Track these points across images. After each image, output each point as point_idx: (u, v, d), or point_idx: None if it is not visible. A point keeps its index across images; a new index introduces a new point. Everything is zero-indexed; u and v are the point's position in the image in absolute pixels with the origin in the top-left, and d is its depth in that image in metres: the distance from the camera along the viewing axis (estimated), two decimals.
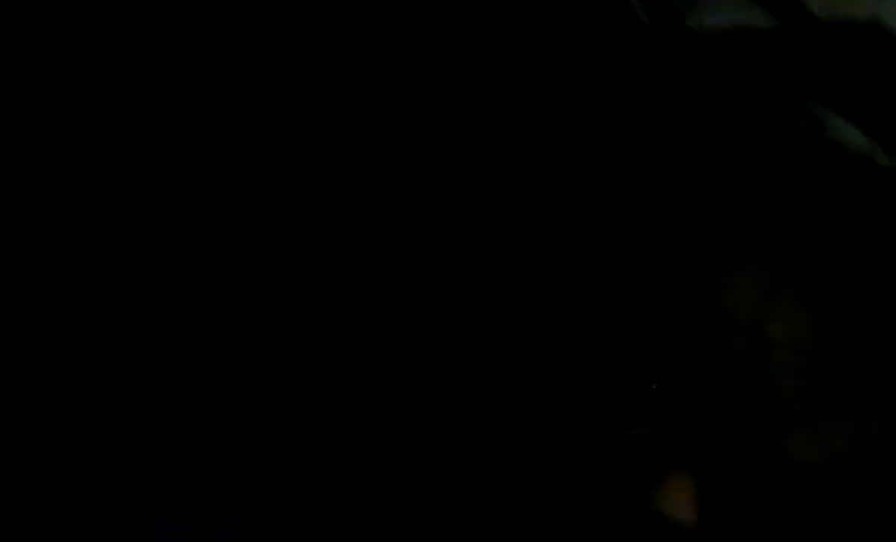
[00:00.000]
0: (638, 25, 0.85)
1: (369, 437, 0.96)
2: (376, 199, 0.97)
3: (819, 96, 0.79)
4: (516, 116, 0.92)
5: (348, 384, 0.97)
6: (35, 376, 0.98)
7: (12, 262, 0.98)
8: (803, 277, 0.83)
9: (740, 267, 0.84)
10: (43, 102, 0.98)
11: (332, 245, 0.98)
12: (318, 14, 0.98)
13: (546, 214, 0.91)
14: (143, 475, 0.97)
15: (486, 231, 0.94)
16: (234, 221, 0.99)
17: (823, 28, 0.80)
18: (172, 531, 0.96)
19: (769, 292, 0.83)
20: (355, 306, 0.98)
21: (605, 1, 0.85)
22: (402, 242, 0.97)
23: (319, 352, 0.97)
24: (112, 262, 0.99)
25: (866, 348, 0.82)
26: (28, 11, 0.97)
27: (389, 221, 0.97)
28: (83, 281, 0.99)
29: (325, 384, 0.97)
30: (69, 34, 0.98)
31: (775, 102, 0.80)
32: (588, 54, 0.88)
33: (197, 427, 0.97)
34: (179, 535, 0.96)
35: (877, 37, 0.79)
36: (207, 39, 0.98)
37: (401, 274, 0.97)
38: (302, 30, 0.98)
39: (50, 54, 0.98)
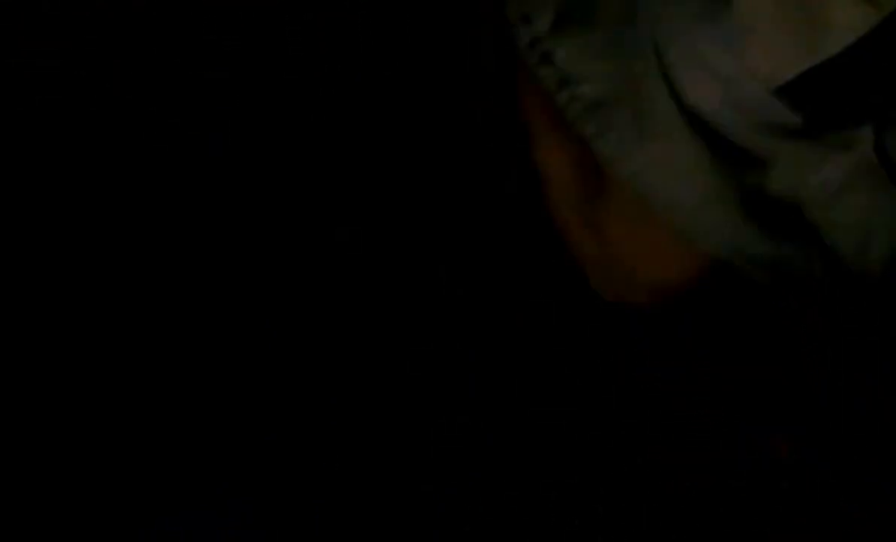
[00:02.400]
0: None
1: (369, 437, 0.96)
2: (376, 198, 0.98)
3: None
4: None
5: (348, 384, 0.97)
6: (34, 375, 0.98)
7: (12, 261, 0.99)
8: None
9: None
10: (43, 102, 0.98)
11: (332, 245, 0.99)
12: (318, 14, 0.98)
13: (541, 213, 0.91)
14: (142, 475, 0.97)
15: (486, 231, 0.94)
16: (235, 220, 0.99)
17: None
18: (172, 531, 0.96)
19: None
20: (356, 306, 0.98)
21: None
22: (402, 242, 0.97)
23: (319, 352, 0.98)
24: (112, 261, 0.99)
25: None
26: (28, 11, 0.98)
27: (388, 219, 0.97)
28: (83, 280, 0.99)
29: (325, 384, 0.97)
30: (69, 34, 0.98)
31: None
32: None
33: (197, 427, 0.98)
34: (179, 535, 0.96)
35: None
36: (207, 39, 0.98)
37: (402, 273, 0.97)
38: (302, 30, 0.99)
39: (50, 54, 0.98)
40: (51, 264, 0.98)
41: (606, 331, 0.91)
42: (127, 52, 0.98)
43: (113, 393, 0.98)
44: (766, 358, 0.87)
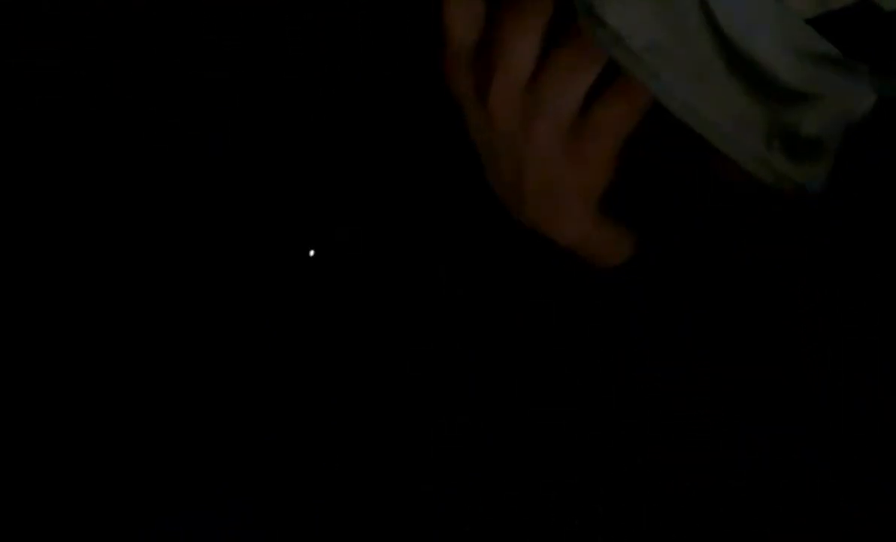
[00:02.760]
0: None
1: (369, 437, 0.96)
2: (375, 198, 0.98)
3: None
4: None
5: (348, 384, 0.97)
6: (34, 375, 0.98)
7: (12, 261, 0.99)
8: None
9: None
10: (43, 101, 0.98)
11: (333, 245, 0.99)
12: (318, 14, 0.98)
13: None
14: (142, 475, 0.97)
15: (485, 231, 0.94)
16: (234, 220, 0.99)
17: None
18: (172, 530, 0.96)
19: None
20: (355, 306, 0.98)
21: None
22: (402, 242, 0.97)
23: (319, 352, 0.98)
24: (112, 261, 0.99)
25: None
26: (28, 11, 0.98)
27: (388, 219, 0.97)
28: (83, 280, 0.99)
29: (324, 384, 0.97)
30: (69, 34, 0.98)
31: None
32: None
33: (197, 427, 0.98)
34: (179, 535, 0.96)
35: None
36: (207, 39, 0.98)
37: (401, 273, 0.97)
38: (302, 30, 0.99)
39: (50, 54, 0.98)
40: (50, 264, 0.98)
41: (606, 331, 0.91)
42: (127, 52, 0.98)
43: (113, 393, 0.98)
44: (766, 358, 0.87)
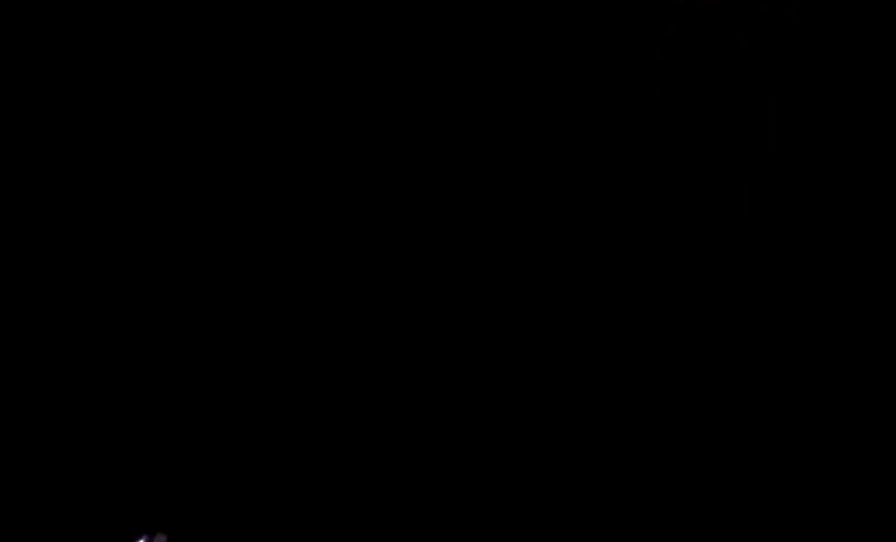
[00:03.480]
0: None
1: (369, 437, 0.96)
2: (378, 197, 0.98)
3: None
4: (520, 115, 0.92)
5: (348, 384, 0.97)
6: (35, 375, 0.98)
7: (12, 262, 0.99)
8: None
9: None
10: (43, 101, 0.98)
11: (333, 245, 0.99)
12: (318, 14, 0.98)
13: (549, 210, 0.91)
14: (141, 476, 0.97)
15: (485, 230, 0.94)
16: (234, 219, 0.99)
17: None
18: (169, 530, 0.96)
19: None
20: (356, 306, 0.98)
21: None
22: (403, 241, 0.97)
23: (319, 352, 0.98)
24: (112, 262, 0.99)
25: None
26: (28, 11, 0.98)
27: (389, 219, 0.97)
28: (83, 281, 0.99)
29: (324, 384, 0.97)
30: (71, 34, 0.98)
31: None
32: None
33: (197, 427, 0.98)
34: (177, 534, 0.96)
35: None
36: (207, 39, 0.98)
37: (401, 273, 0.97)
38: (303, 29, 0.99)
39: (50, 54, 0.98)
40: (51, 264, 0.98)
41: (606, 329, 0.91)
42: (127, 52, 0.98)
43: (113, 393, 0.98)
44: (766, 356, 0.88)
